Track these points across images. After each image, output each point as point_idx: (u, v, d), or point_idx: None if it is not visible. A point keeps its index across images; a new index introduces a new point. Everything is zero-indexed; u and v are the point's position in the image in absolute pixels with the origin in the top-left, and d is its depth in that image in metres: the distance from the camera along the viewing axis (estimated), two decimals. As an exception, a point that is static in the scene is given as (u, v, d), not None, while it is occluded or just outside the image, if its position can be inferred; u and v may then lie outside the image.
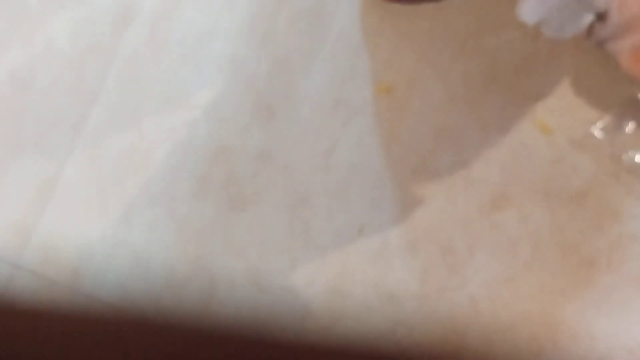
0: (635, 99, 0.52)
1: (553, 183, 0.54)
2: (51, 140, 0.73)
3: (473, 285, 0.54)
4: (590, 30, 0.51)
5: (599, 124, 0.53)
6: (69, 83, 0.74)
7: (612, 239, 0.51)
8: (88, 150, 0.71)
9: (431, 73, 0.60)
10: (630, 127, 0.52)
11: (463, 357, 0.52)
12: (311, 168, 0.62)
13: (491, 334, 0.54)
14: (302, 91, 0.64)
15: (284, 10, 0.68)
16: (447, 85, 0.60)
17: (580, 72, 0.56)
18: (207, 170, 0.65)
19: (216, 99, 0.68)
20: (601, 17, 0.50)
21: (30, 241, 0.69)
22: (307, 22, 0.67)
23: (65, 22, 0.78)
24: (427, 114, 0.59)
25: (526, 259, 0.53)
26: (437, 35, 0.61)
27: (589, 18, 0.50)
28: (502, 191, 0.55)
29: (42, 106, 0.74)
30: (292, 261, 0.60)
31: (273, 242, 0.61)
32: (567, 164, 0.54)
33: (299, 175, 0.62)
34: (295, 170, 0.62)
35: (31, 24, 0.78)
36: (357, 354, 0.23)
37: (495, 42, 0.60)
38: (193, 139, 0.67)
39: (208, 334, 0.22)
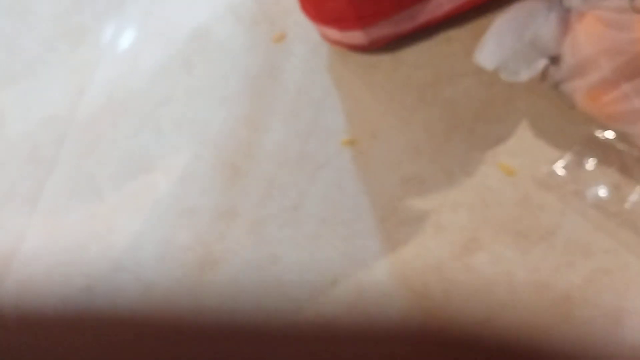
0: (593, 136, 0.54)
1: (522, 223, 0.55)
2: (7, 214, 0.71)
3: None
4: (544, 73, 0.53)
5: (561, 163, 0.55)
6: (23, 155, 0.73)
7: (585, 274, 0.52)
8: (47, 221, 0.69)
9: (394, 124, 0.62)
10: (590, 163, 0.54)
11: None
12: (280, 224, 0.61)
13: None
14: (265, 147, 0.64)
15: (238, 71, 0.69)
16: (410, 134, 0.61)
17: (537, 114, 0.58)
18: (171, 232, 0.64)
19: (177, 161, 0.67)
20: (555, 60, 0.52)
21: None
22: (263, 80, 0.68)
23: (16, 95, 0.77)
24: (392, 163, 0.60)
25: (502, 299, 0.53)
26: (396, 88, 0.63)
27: (543, 62, 0.53)
28: (473, 234, 0.56)
29: (-3, 179, 0.72)
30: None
31: (245, 301, 0.60)
32: (534, 203, 0.55)
33: (267, 232, 0.61)
34: (263, 227, 0.62)
35: (-18, 96, 0.77)
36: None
37: (453, 91, 0.61)
38: (155, 202, 0.66)
39: None
